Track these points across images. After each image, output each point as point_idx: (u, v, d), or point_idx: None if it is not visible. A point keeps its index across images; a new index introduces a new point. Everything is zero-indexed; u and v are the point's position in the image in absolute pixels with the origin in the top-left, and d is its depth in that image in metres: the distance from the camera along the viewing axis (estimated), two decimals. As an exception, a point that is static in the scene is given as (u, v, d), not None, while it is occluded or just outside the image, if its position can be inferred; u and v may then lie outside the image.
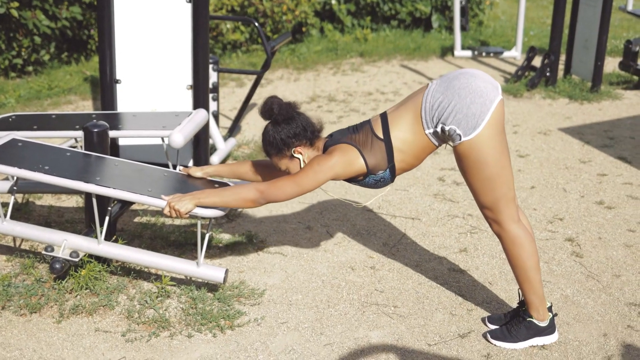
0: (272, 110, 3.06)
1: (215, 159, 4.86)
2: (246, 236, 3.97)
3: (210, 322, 3.16)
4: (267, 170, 3.34)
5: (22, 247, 3.80)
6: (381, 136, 2.99)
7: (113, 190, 3.15)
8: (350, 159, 2.99)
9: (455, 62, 8.11)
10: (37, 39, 6.80)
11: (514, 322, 3.08)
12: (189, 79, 4.57)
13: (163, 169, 3.52)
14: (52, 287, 3.37)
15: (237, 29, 8.09)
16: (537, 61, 7.65)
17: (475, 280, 3.58)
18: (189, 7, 4.46)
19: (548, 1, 11.59)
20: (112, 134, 3.68)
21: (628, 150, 5.36)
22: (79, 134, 3.66)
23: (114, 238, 3.54)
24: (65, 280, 3.39)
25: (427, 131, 2.95)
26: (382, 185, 3.09)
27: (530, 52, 7.14)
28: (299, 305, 3.34)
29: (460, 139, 2.87)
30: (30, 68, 6.98)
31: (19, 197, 4.36)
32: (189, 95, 4.59)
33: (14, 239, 3.86)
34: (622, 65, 6.99)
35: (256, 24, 5.23)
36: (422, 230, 4.11)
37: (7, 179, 4.07)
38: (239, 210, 4.27)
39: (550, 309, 3.08)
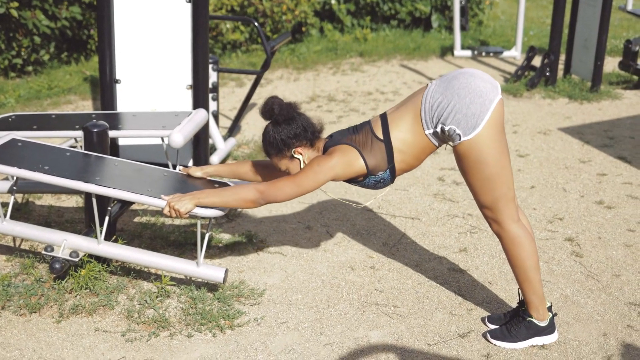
0: (272, 111, 3.07)
1: (215, 158, 4.86)
2: (246, 236, 3.97)
3: (210, 322, 3.16)
4: (267, 170, 3.34)
5: (22, 247, 3.80)
6: (381, 137, 2.99)
7: (113, 190, 3.15)
8: (350, 160, 2.99)
9: (455, 62, 8.11)
10: (37, 39, 6.80)
11: (513, 321, 3.08)
12: (188, 79, 4.57)
13: (163, 168, 3.52)
14: (51, 287, 3.37)
15: (236, 28, 8.09)
16: (536, 61, 7.65)
17: (475, 280, 3.58)
18: (188, 6, 4.46)
19: (548, 1, 11.59)
20: (111, 133, 3.68)
21: (628, 150, 5.36)
22: (79, 133, 3.66)
23: (113, 238, 3.54)
24: (65, 280, 3.39)
25: (427, 132, 2.95)
26: (382, 186, 3.09)
27: (530, 51, 7.14)
28: (299, 305, 3.34)
29: (459, 139, 2.87)
30: (30, 68, 6.98)
31: (19, 197, 4.36)
32: (188, 95, 4.60)
33: (14, 239, 3.86)
34: (621, 65, 6.99)
35: (256, 23, 5.23)
36: (422, 230, 4.11)
37: (6, 178, 4.07)
38: (239, 210, 4.27)
39: (550, 308, 3.08)
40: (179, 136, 3.61)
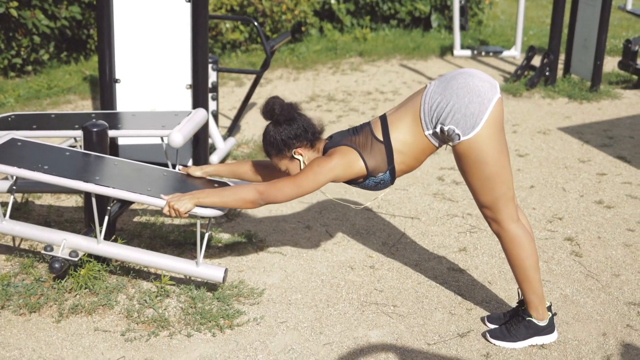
0: (273, 111, 3.07)
1: (214, 158, 4.86)
2: (245, 235, 3.97)
3: (210, 322, 3.16)
4: (266, 170, 3.34)
5: (22, 246, 3.80)
6: (381, 138, 2.99)
7: (112, 189, 3.15)
8: (350, 161, 2.99)
9: (454, 62, 8.11)
10: (37, 39, 6.80)
11: (513, 321, 3.08)
12: (188, 79, 4.57)
13: (162, 168, 3.52)
14: (51, 286, 3.37)
15: (236, 28, 8.09)
16: (536, 60, 7.65)
17: (474, 279, 3.59)
18: (188, 6, 4.46)
19: (547, 0, 11.59)
20: (111, 133, 3.68)
21: (627, 150, 5.37)
22: (79, 133, 3.66)
23: (113, 237, 3.54)
24: (64, 279, 3.39)
25: (426, 132, 2.95)
26: (382, 187, 3.09)
27: (530, 51, 7.14)
28: (299, 305, 3.34)
29: (459, 139, 2.87)
30: (29, 67, 6.98)
31: (19, 196, 4.36)
32: (188, 95, 4.59)
33: (14, 239, 3.86)
34: (621, 65, 6.99)
35: (255, 23, 5.23)
36: (422, 229, 4.11)
37: (6, 178, 4.07)
38: (239, 209, 4.27)
39: (549, 308, 3.09)
40: (179, 136, 3.61)
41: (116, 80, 4.54)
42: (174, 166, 4.03)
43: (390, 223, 4.18)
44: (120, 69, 4.53)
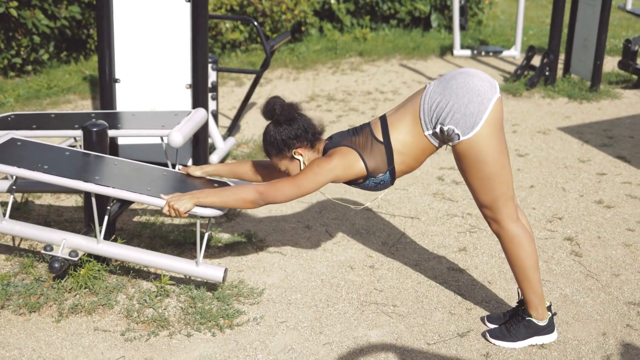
0: (274, 111, 3.07)
1: (214, 158, 4.86)
2: (245, 235, 3.97)
3: (210, 322, 3.16)
4: (266, 170, 3.34)
5: (22, 246, 3.80)
6: (381, 139, 2.99)
7: (112, 189, 3.15)
8: (350, 162, 2.99)
9: (454, 62, 8.11)
10: (36, 38, 6.80)
11: (513, 321, 3.08)
12: (188, 78, 4.57)
13: (162, 168, 3.52)
14: (51, 286, 3.37)
15: (236, 28, 8.09)
16: (536, 60, 7.65)
17: (474, 279, 3.59)
18: (188, 6, 4.46)
19: (547, 0, 11.60)
20: (111, 133, 3.68)
21: (627, 150, 5.37)
22: (78, 133, 3.66)
23: (113, 237, 3.54)
24: (64, 279, 3.39)
25: (426, 133, 2.95)
26: (382, 187, 3.09)
27: (530, 51, 7.14)
28: (298, 305, 3.34)
29: (458, 139, 2.87)
30: (29, 67, 6.98)
31: (18, 196, 4.36)
32: (188, 95, 4.59)
33: (13, 238, 3.86)
34: (621, 65, 7.00)
35: (255, 23, 5.23)
36: (422, 229, 4.11)
37: (6, 178, 4.07)
38: (238, 209, 4.27)
39: (549, 308, 3.09)
40: (178, 135, 3.61)
41: (116, 80, 4.54)
42: (173, 166, 4.03)
43: (390, 223, 4.18)
44: (120, 69, 4.53)
